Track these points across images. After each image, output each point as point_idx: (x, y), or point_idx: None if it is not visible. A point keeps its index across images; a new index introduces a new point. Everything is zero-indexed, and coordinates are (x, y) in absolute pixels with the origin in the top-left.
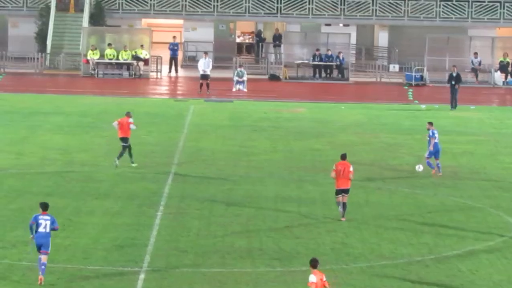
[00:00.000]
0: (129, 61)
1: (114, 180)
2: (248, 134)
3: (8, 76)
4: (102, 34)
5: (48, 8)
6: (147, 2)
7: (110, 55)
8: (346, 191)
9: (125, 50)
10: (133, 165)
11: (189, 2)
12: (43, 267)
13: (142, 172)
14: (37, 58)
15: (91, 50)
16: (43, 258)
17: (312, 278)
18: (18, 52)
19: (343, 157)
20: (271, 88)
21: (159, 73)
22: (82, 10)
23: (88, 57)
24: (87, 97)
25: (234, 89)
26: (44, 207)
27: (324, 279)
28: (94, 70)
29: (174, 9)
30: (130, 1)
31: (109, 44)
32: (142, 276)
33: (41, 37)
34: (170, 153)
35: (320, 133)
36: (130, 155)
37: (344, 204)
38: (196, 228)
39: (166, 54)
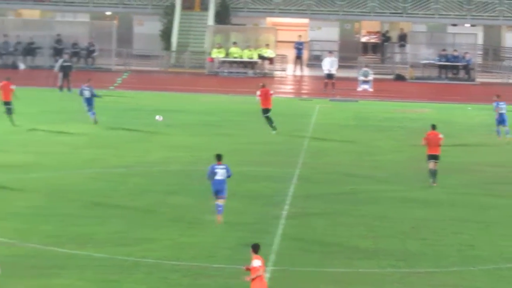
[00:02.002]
0: (254, 59)
1: (239, 179)
2: (373, 134)
3: (133, 74)
4: (227, 33)
5: (173, 6)
6: (272, 1)
7: (235, 53)
8: (436, 157)
9: (250, 49)
10: (273, 132)
11: (314, 1)
12: (220, 208)
13: (267, 171)
14: (162, 56)
15: (216, 48)
16: (220, 201)
17: (257, 262)
18: (143, 50)
19: (434, 127)
20: (397, 88)
21: (284, 72)
22: (207, 9)
23: (213, 56)
24: (211, 96)
25: (359, 89)
26: (219, 158)
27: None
28: (219, 68)
29: (299, 8)
30: (255, 0)
31: (234, 43)
32: (267, 275)
33: (166, 35)
34: (295, 153)
35: (446, 133)
36: (269, 123)
37: (434, 171)
38: (321, 228)
39: (291, 53)
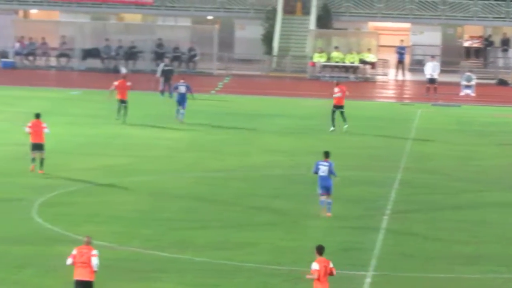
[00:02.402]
0: (355, 64)
1: (341, 183)
2: (475, 139)
3: (235, 78)
4: (329, 37)
5: (274, 10)
6: (374, 5)
7: (336, 58)
8: None
9: (351, 53)
10: (345, 127)
11: (416, 6)
12: (329, 206)
13: (369, 175)
14: (264, 61)
15: (318, 52)
16: (324, 197)
17: (315, 265)
18: (244, 54)
19: None
20: (499, 93)
21: (385, 77)
22: (309, 13)
23: (315, 60)
24: (312, 100)
25: (461, 94)
26: (326, 154)
27: (331, 265)
28: (320, 73)
29: (401, 13)
30: (357, 4)
31: (336, 47)
32: (368, 280)
33: (267, 39)
34: (397, 157)
35: None
36: (344, 118)
37: None
38: (422, 232)
39: (392, 58)
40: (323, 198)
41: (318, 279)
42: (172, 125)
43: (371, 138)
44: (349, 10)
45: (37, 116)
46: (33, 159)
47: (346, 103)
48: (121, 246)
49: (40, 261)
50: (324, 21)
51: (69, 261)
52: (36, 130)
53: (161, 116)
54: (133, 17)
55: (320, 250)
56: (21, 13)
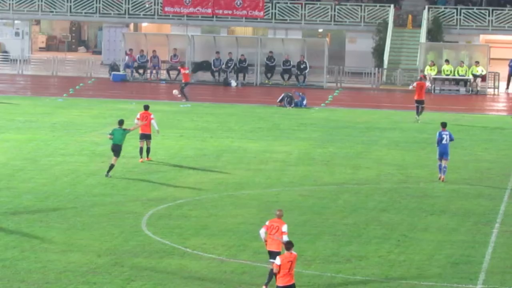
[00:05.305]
0: (466, 77)
1: (450, 196)
2: None
3: (345, 91)
4: (440, 50)
5: (385, 23)
6: (485, 18)
7: (447, 71)
8: None
9: (462, 66)
10: (417, 117)
11: None
12: (444, 169)
13: (479, 188)
14: (374, 74)
15: (429, 66)
16: (444, 162)
17: (277, 260)
18: (354, 67)
19: None
20: None
21: (496, 90)
22: (419, 26)
23: (426, 73)
24: (423, 113)
25: None
26: (444, 125)
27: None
28: (431, 85)
29: None
30: (468, 17)
31: (446, 61)
32: None
33: (378, 52)
34: (507, 171)
35: None
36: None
37: None
38: None
39: (504, 71)
40: (444, 163)
41: (279, 273)
42: (283, 139)
43: (481, 151)
44: (460, 23)
45: (146, 108)
46: (141, 149)
47: (452, 115)
48: (230, 259)
49: (149, 273)
50: (434, 34)
51: (262, 232)
52: (145, 121)
53: (271, 129)
54: (243, 30)
55: (287, 245)
56: (132, 26)
